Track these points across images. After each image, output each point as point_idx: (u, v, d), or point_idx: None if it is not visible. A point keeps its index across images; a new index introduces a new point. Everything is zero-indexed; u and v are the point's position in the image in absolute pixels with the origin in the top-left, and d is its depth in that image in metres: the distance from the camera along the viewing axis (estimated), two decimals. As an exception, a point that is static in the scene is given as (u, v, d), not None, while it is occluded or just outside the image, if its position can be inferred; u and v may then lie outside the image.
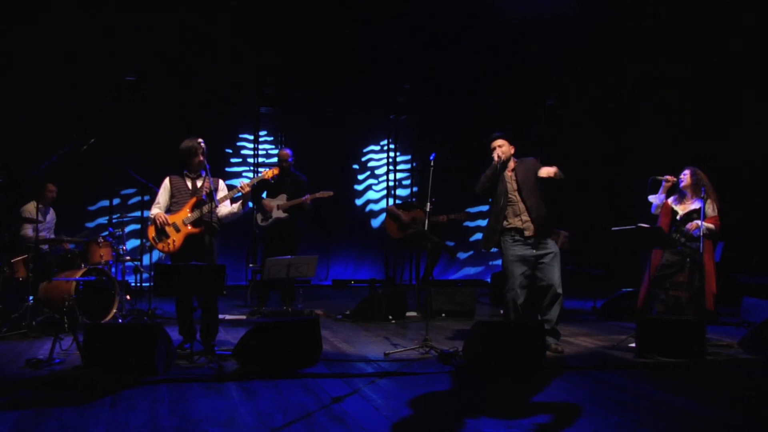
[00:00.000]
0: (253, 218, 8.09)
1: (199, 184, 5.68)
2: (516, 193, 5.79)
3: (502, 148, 5.80)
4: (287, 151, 8.06)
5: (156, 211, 5.62)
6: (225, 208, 5.66)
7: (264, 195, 7.94)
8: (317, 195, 7.83)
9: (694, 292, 6.19)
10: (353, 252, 12.06)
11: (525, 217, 5.73)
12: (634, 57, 10.64)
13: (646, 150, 10.81)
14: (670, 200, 6.50)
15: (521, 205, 5.75)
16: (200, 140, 5.61)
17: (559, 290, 5.66)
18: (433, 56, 11.05)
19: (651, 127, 10.94)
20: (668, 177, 6.38)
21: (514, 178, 5.82)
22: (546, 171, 5.66)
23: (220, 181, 5.82)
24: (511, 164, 5.86)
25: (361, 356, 5.55)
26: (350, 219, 12.05)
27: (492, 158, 5.78)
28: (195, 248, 5.53)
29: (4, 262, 6.90)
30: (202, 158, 5.57)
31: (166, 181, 5.74)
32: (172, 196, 5.69)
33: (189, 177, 5.71)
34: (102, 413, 3.82)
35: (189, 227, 5.53)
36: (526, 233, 5.72)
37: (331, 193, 7.92)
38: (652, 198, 6.56)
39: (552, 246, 5.76)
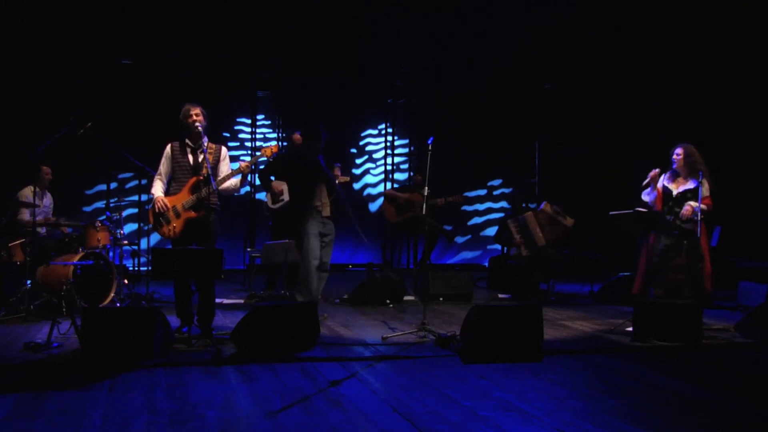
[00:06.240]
0: (266, 202, 8.01)
1: (200, 158, 5.57)
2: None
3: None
4: (299, 134, 8.00)
5: (158, 193, 5.54)
6: (225, 182, 5.58)
7: (273, 178, 7.84)
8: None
9: (693, 273, 6.21)
10: (351, 236, 12.05)
11: (325, 199, 6.74)
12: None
13: (646, 133, 10.78)
14: (661, 180, 6.48)
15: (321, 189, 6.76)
16: (196, 104, 5.55)
17: (328, 268, 6.71)
18: (430, 40, 10.99)
19: (653, 111, 10.91)
20: (651, 174, 6.45)
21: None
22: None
23: (223, 149, 5.74)
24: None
25: (359, 340, 5.57)
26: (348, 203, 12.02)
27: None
28: (196, 231, 5.52)
29: (2, 247, 6.89)
30: (196, 120, 5.46)
31: (168, 148, 5.67)
32: (173, 169, 5.63)
33: (189, 146, 5.60)
34: (100, 397, 3.84)
35: (189, 212, 5.49)
36: (324, 214, 6.73)
37: (348, 179, 7.86)
38: (645, 196, 6.56)
39: (333, 231, 6.75)
